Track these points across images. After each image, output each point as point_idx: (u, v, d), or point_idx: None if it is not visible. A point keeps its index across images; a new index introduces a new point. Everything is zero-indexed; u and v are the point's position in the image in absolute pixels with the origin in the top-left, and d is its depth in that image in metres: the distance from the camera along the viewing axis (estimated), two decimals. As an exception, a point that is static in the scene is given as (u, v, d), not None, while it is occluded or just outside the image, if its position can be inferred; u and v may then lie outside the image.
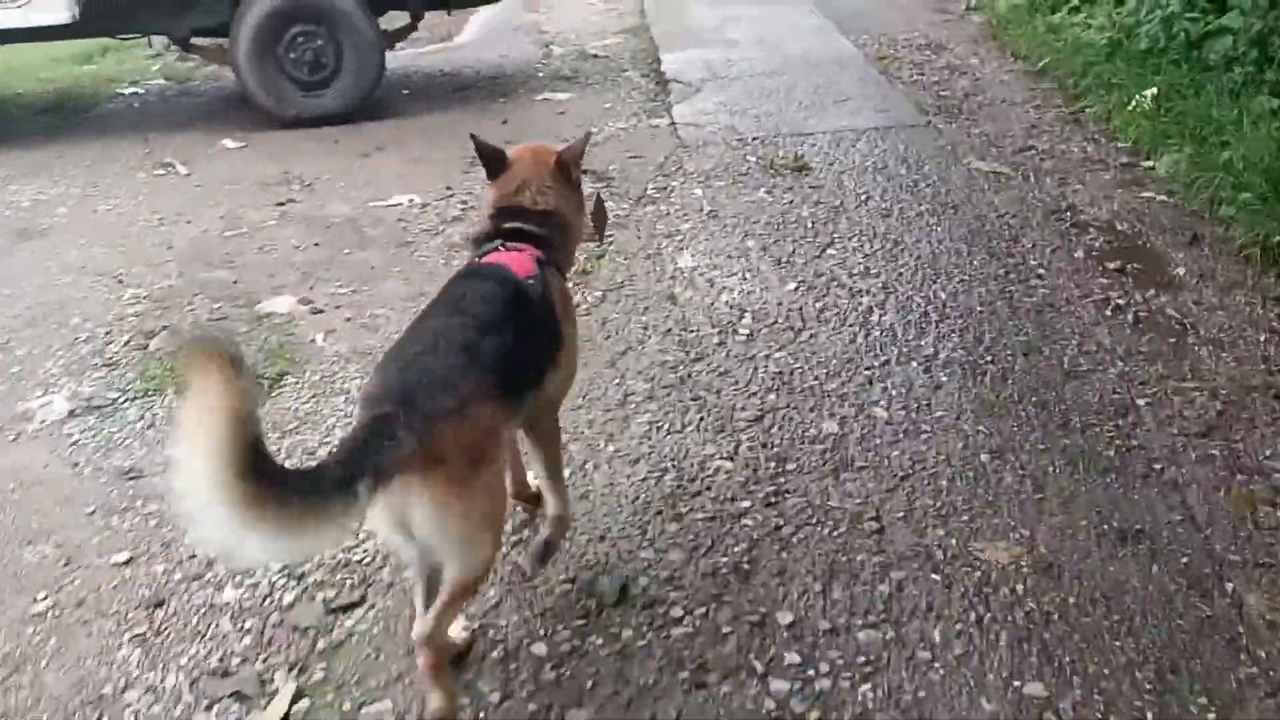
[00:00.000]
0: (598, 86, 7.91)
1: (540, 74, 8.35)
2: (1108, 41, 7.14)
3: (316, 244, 5.21)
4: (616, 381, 3.67)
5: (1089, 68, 7.01)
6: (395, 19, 7.56)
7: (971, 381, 3.59)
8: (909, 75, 7.73)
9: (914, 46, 8.66)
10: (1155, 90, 6.24)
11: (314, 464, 2.14)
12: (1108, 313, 4.06)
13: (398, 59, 8.62)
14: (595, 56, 8.82)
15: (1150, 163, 5.64)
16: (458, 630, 2.39)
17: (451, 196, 5.73)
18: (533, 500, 2.81)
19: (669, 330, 4.05)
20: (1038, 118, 6.61)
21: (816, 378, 3.67)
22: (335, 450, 1.98)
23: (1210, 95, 6.07)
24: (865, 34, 9.11)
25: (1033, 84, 7.39)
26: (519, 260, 2.37)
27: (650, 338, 4.00)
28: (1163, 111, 6.06)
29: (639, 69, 8.36)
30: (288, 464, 2.75)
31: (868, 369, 3.71)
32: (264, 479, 1.66)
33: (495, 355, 2.14)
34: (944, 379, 3.61)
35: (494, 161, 2.55)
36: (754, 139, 6.34)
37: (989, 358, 3.75)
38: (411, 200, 5.71)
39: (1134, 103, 6.25)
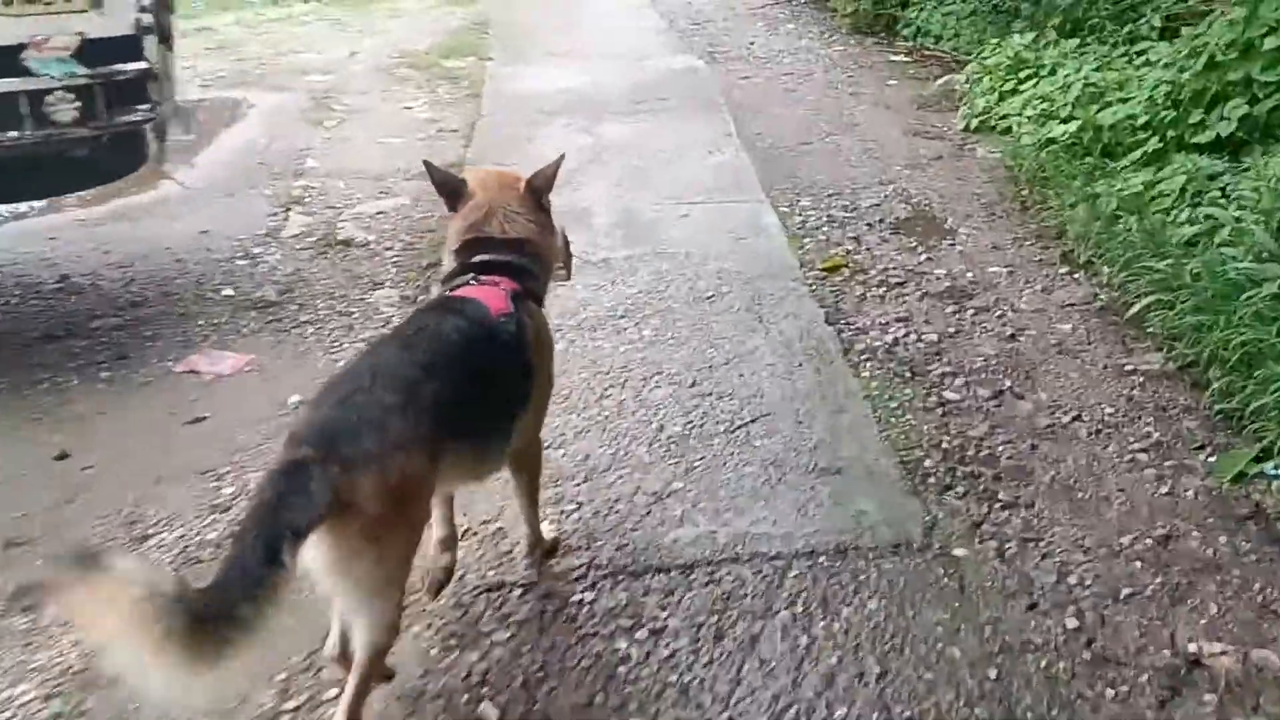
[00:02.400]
0: (310, 330, 4.19)
1: (228, 290, 4.58)
2: (1284, 293, 3.47)
3: None
4: None
5: (1253, 357, 3.33)
6: None
7: None
8: (878, 322, 4.05)
9: (888, 227, 4.99)
10: None
11: (234, 547, 1.73)
12: None
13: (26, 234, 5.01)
14: (346, 244, 5.05)
15: None
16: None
17: None
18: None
19: None
20: (1166, 494, 2.92)
21: None
22: (249, 515, 1.77)
23: None
24: (806, 194, 5.41)
25: (1124, 353, 3.73)
26: (492, 295, 2.23)
27: None
28: None
29: (405, 281, 4.61)
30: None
31: None
32: (207, 626, 1.57)
33: (438, 398, 1.97)
34: None
35: (453, 192, 2.41)
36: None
37: None
38: None
39: None
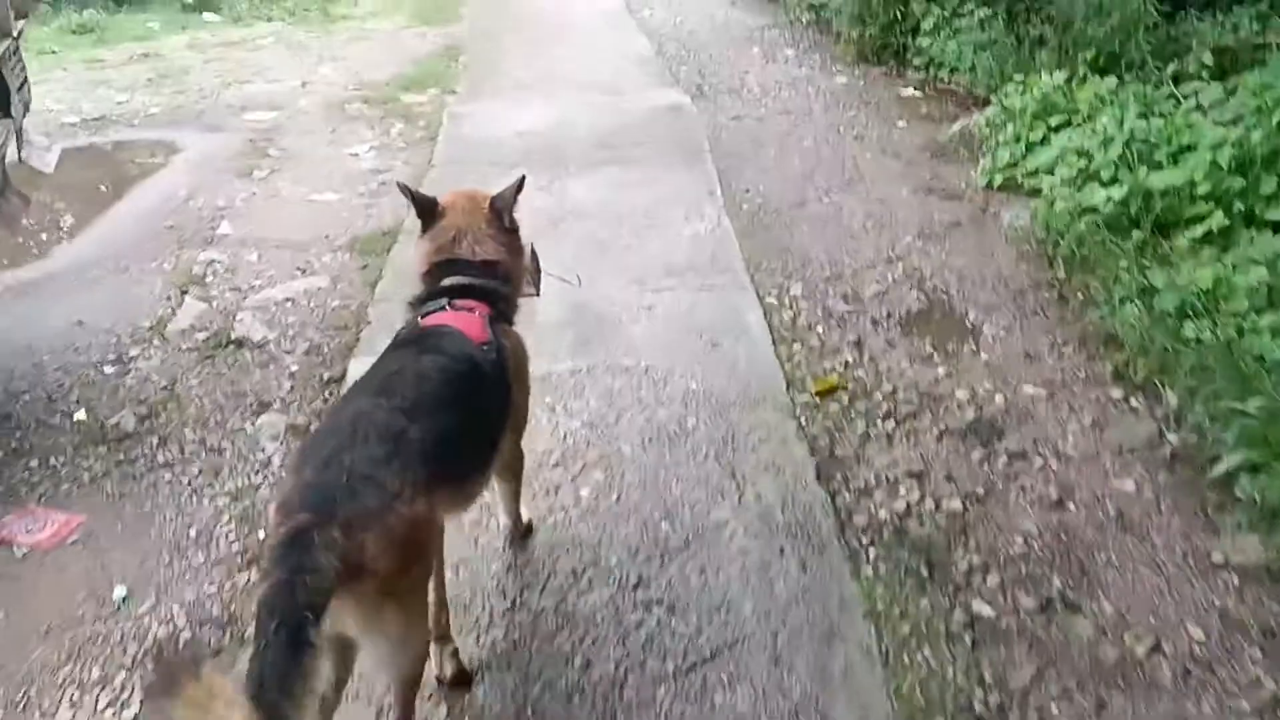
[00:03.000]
0: (166, 476, 3.37)
1: (81, 413, 3.73)
2: None
3: None
4: None
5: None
6: None
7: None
8: (885, 476, 3.21)
9: (897, 324, 4.11)
10: None
11: (259, 641, 1.63)
12: None
13: None
14: (240, 345, 4.17)
15: None
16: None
17: None
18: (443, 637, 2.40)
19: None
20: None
21: None
22: (266, 601, 1.65)
23: None
24: (798, 276, 4.52)
25: (1207, 531, 2.84)
26: (471, 323, 2.23)
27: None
28: None
29: (299, 401, 3.71)
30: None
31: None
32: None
33: (428, 441, 1.92)
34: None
35: (427, 211, 2.43)
36: None
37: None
38: None
39: None
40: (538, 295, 2.80)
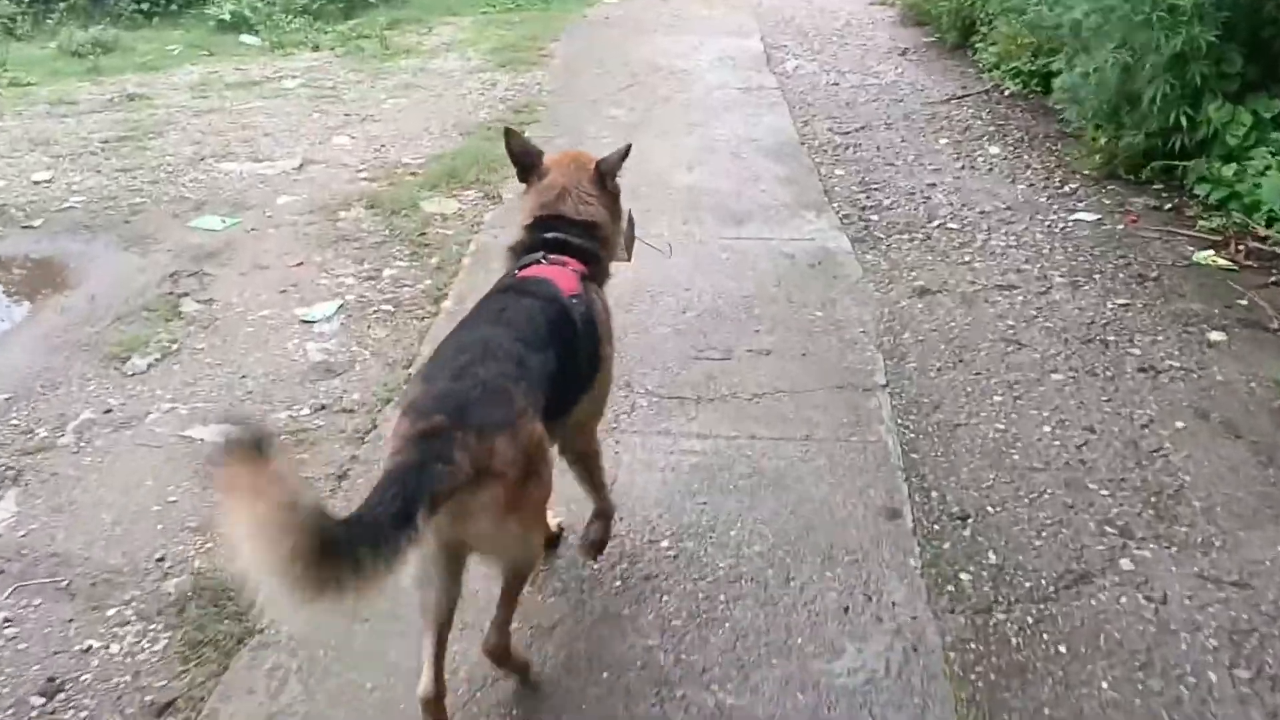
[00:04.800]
0: None
1: None
2: None
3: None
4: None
5: None
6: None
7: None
8: None
9: None
10: None
11: (371, 500, 1.73)
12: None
13: None
14: None
15: None
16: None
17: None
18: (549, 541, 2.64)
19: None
20: None
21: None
22: (391, 472, 1.77)
23: None
24: None
25: None
26: (564, 276, 2.30)
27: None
28: None
29: None
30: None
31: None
32: (330, 557, 1.56)
33: (542, 371, 2.05)
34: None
35: (528, 165, 2.46)
36: None
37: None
38: None
39: None
40: (628, 261, 2.74)
